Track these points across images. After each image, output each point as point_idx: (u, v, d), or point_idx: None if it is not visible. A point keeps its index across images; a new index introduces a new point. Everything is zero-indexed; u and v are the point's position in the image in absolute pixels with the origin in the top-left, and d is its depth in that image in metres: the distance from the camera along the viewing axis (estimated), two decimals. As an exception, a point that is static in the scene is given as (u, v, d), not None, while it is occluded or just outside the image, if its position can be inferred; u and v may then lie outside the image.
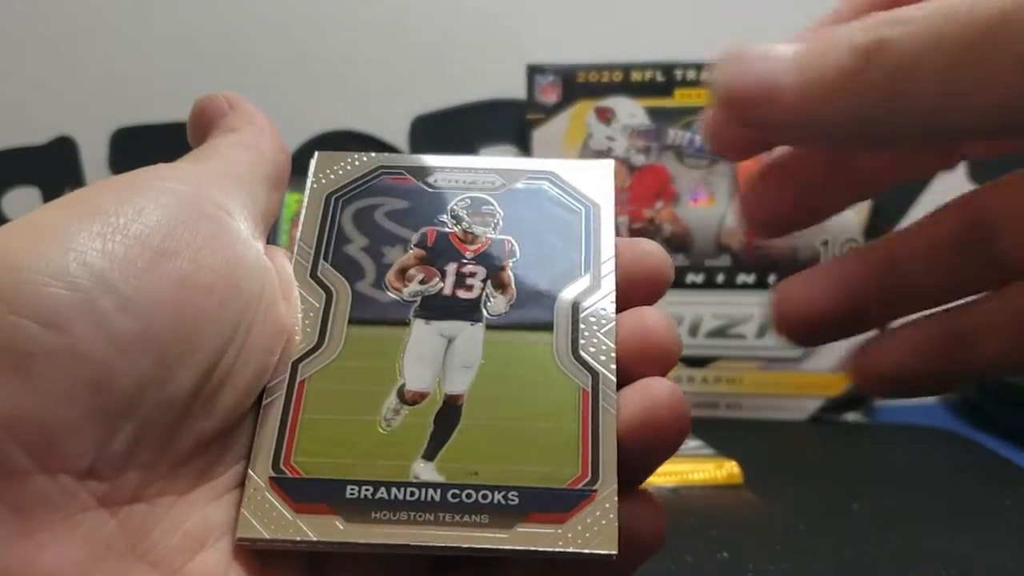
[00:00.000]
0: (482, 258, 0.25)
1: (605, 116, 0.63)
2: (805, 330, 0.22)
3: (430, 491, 0.21)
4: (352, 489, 0.21)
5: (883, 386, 0.23)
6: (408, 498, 0.21)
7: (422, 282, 0.24)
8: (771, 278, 0.61)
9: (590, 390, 0.23)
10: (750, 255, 0.61)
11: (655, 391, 0.22)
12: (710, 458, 0.46)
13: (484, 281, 0.25)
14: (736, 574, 0.33)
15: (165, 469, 0.20)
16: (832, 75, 0.18)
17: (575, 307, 0.24)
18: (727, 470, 0.44)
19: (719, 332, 0.61)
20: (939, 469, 0.48)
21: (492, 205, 0.26)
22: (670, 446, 0.22)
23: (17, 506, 0.17)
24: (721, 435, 0.49)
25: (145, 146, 0.74)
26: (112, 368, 0.18)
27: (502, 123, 0.70)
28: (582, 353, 0.23)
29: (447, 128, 0.72)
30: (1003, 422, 0.56)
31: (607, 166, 0.27)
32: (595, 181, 0.26)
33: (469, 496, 0.21)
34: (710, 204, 0.62)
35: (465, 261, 0.25)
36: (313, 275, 0.24)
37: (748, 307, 0.61)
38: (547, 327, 0.24)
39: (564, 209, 0.26)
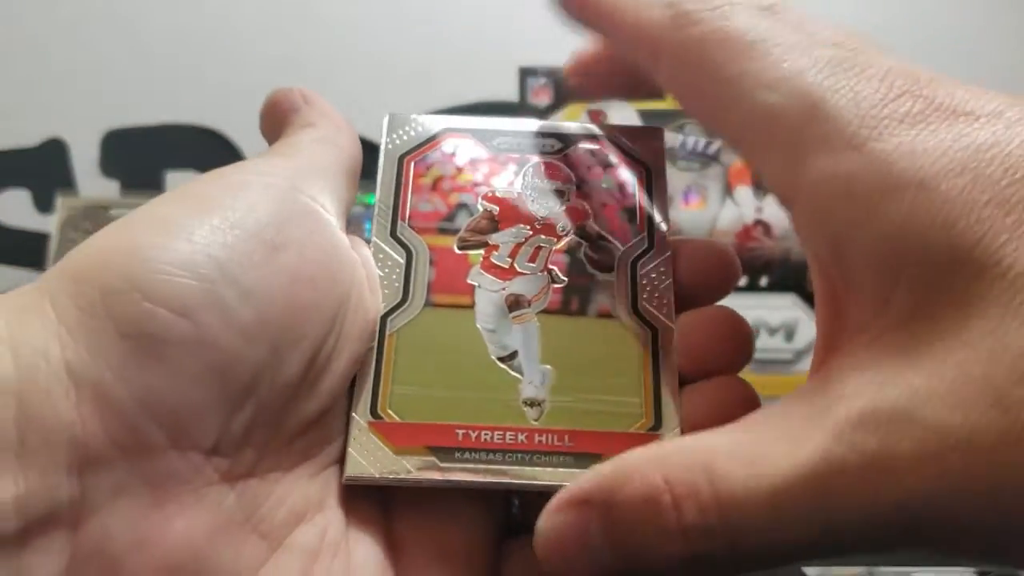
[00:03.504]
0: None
1: (597, 118, 0.63)
2: None
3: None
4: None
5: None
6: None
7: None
8: (763, 280, 0.61)
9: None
10: (742, 257, 0.61)
11: (729, 390, 0.23)
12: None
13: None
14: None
15: (275, 447, 0.21)
16: None
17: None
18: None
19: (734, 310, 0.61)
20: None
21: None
22: None
23: (151, 479, 0.19)
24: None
25: (136, 148, 0.74)
26: (234, 355, 0.19)
27: (494, 125, 0.70)
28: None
29: (439, 130, 0.72)
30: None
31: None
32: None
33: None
34: (702, 206, 0.62)
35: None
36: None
37: (740, 309, 0.61)
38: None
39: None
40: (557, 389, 0.23)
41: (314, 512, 0.22)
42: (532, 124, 0.27)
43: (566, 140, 0.27)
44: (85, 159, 0.75)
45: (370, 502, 0.23)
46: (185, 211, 0.20)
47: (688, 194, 0.62)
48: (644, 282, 0.25)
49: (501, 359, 0.24)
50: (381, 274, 0.24)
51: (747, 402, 0.23)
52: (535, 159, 0.27)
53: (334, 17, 0.73)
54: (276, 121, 0.25)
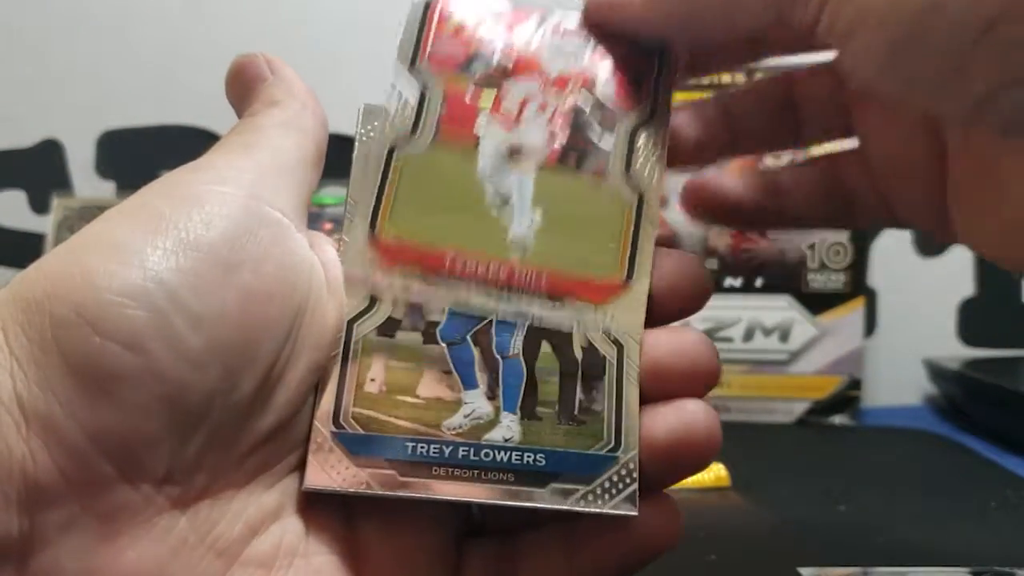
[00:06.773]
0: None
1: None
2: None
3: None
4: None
5: (714, 213, 0.31)
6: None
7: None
8: (758, 281, 0.61)
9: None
10: (737, 258, 0.62)
11: (690, 413, 0.23)
12: (698, 461, 0.46)
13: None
14: (723, 576, 0.33)
15: (228, 468, 0.21)
16: None
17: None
18: (715, 473, 0.44)
19: (706, 335, 0.61)
20: (925, 471, 0.49)
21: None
22: (697, 467, 0.23)
23: (101, 513, 0.19)
24: (709, 438, 0.49)
25: (131, 148, 0.74)
26: (185, 384, 0.19)
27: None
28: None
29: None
30: (988, 424, 0.57)
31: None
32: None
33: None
34: (698, 208, 0.62)
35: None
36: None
37: (735, 310, 0.61)
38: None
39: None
40: (542, 233, 0.24)
41: (270, 522, 0.22)
42: None
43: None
44: (81, 160, 0.75)
45: (330, 508, 0.23)
46: (138, 232, 0.20)
47: (683, 195, 0.62)
48: (639, 149, 0.25)
49: (496, 208, 0.25)
50: (396, 105, 0.25)
51: (708, 429, 0.23)
52: (556, 15, 0.27)
53: (329, 19, 0.73)
54: (242, 89, 0.25)
